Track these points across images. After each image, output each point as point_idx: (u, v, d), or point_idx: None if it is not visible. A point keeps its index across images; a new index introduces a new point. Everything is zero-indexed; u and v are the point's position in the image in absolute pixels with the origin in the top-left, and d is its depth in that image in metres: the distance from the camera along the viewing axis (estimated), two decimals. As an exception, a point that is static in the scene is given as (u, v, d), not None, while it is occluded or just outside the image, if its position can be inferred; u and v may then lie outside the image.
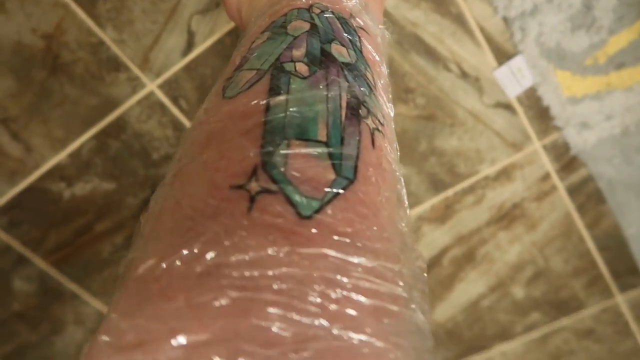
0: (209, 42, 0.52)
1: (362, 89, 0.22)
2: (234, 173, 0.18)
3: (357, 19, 0.26)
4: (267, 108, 0.20)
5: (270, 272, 0.16)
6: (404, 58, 0.52)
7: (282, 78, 0.21)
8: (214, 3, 0.50)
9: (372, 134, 0.21)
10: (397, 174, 0.22)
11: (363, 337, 0.15)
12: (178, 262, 0.16)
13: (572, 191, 0.60)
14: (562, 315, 0.66)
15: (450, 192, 0.60)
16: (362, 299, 0.16)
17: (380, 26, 0.28)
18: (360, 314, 0.16)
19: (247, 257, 0.16)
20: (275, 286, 0.15)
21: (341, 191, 0.18)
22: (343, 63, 0.22)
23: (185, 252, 0.16)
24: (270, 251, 0.16)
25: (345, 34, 0.24)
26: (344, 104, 0.21)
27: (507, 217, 0.62)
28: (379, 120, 0.22)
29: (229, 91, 0.22)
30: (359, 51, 0.24)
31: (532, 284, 0.65)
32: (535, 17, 0.49)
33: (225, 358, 0.14)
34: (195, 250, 0.16)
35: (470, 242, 0.64)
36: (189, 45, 0.52)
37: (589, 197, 0.60)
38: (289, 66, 0.22)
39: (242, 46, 0.25)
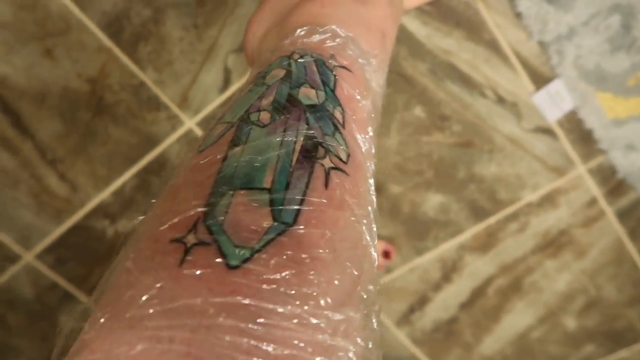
0: (244, 79, 0.53)
1: (324, 129, 0.22)
2: (176, 226, 0.19)
3: (339, 57, 0.26)
4: (224, 159, 0.20)
5: (183, 322, 0.16)
6: (438, 86, 0.52)
7: (244, 129, 0.22)
8: (249, 41, 0.51)
9: (327, 174, 0.21)
10: (360, 211, 0.21)
11: None
12: (105, 317, 0.17)
13: (622, 216, 0.57)
14: (619, 347, 0.62)
15: (492, 220, 0.59)
16: (273, 348, 0.16)
17: (372, 54, 0.29)
18: None
19: (167, 308, 0.16)
20: (186, 335, 0.16)
21: (278, 237, 0.18)
22: (308, 105, 0.23)
23: (115, 306, 0.17)
24: (187, 302, 0.16)
25: (320, 75, 0.25)
26: (297, 148, 0.21)
27: (553, 244, 0.59)
28: (340, 159, 0.22)
29: (202, 145, 0.23)
30: (331, 90, 0.24)
31: (585, 314, 0.61)
32: (572, 40, 0.48)
33: None
34: (124, 303, 0.17)
35: (516, 272, 0.61)
36: (226, 83, 0.53)
37: (640, 221, 0.57)
38: (253, 116, 0.22)
39: (231, 99, 0.26)
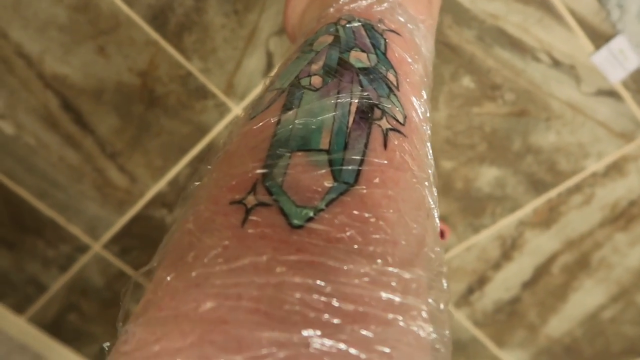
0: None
1: (378, 91, 0.22)
2: (234, 188, 0.19)
3: (387, 21, 0.26)
4: (278, 124, 0.21)
5: (250, 280, 0.16)
6: (486, 53, 0.49)
7: (296, 93, 0.22)
8: (289, 22, 0.51)
9: (386, 135, 0.20)
10: (421, 173, 0.21)
11: (341, 346, 0.15)
12: (171, 276, 0.17)
13: (702, 182, 0.52)
14: None
15: (553, 193, 0.55)
16: (344, 305, 0.16)
17: (420, 24, 0.28)
18: (340, 321, 0.15)
19: (232, 267, 0.16)
20: (254, 293, 0.16)
21: (340, 196, 0.18)
22: (360, 68, 0.23)
23: (180, 266, 0.17)
24: (253, 260, 0.16)
25: (369, 39, 0.24)
26: (353, 109, 0.21)
27: (623, 216, 0.55)
28: (397, 121, 0.21)
29: (252, 112, 0.23)
30: (382, 54, 0.24)
31: (662, 291, 0.57)
32: (634, -9, 0.44)
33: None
34: (188, 263, 0.17)
35: (583, 247, 0.58)
36: (269, 66, 0.54)
37: None
38: (304, 81, 0.22)
39: (278, 68, 0.26)
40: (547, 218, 0.57)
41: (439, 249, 0.20)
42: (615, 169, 0.53)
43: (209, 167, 0.22)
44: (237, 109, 0.57)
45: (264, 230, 0.17)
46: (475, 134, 0.54)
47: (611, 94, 0.49)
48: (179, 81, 0.56)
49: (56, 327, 0.77)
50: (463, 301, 0.63)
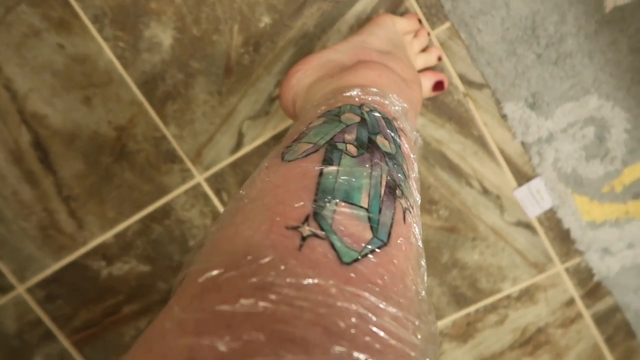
0: (255, 144, 0.59)
1: (399, 175, 0.27)
2: (290, 216, 0.22)
3: (399, 121, 0.32)
4: (321, 173, 0.24)
5: (314, 297, 0.19)
6: (429, 171, 0.57)
7: (335, 153, 0.26)
8: (264, 111, 0.57)
9: (404, 212, 0.25)
10: (421, 250, 0.26)
11: None
12: (237, 276, 0.20)
13: (599, 321, 0.58)
14: None
15: (472, 309, 0.60)
16: (387, 337, 0.19)
17: (414, 132, 0.34)
18: (384, 350, 0.18)
19: (293, 282, 0.19)
20: (315, 308, 0.18)
21: (377, 250, 0.22)
22: (385, 152, 0.27)
23: (244, 269, 0.20)
24: (317, 280, 0.19)
25: (389, 131, 0.30)
26: (384, 182, 0.25)
27: (531, 342, 0.60)
28: (409, 203, 0.26)
29: (287, 156, 0.27)
30: (398, 146, 0.29)
31: (561, 422, 0.60)
32: (552, 144, 0.54)
33: (265, 356, 0.16)
34: (253, 269, 0.20)
35: (493, 367, 0.61)
36: (238, 145, 0.59)
37: (617, 329, 0.58)
38: (341, 145, 0.26)
39: (299, 124, 0.31)
40: (464, 332, 0.61)
41: (432, 311, 0.24)
42: (527, 295, 0.59)
43: (249, 191, 0.26)
44: (199, 177, 0.60)
45: (319, 258, 0.20)
46: (410, 241, 0.59)
47: (528, 226, 0.57)
48: (152, 142, 0.60)
49: (-52, 370, 0.71)
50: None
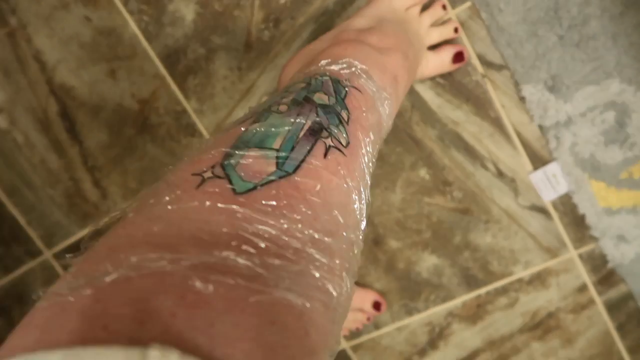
0: (273, 120, 0.60)
1: (330, 120, 0.28)
2: (198, 165, 0.24)
3: (352, 80, 0.33)
4: (245, 131, 0.26)
5: (192, 217, 0.21)
6: (444, 152, 0.57)
7: (265, 114, 0.28)
8: (283, 88, 0.58)
9: (327, 149, 0.26)
10: (353, 183, 0.27)
11: (248, 263, 0.20)
12: (137, 212, 0.22)
13: (611, 308, 0.58)
14: None
15: (482, 291, 0.60)
16: (256, 240, 0.21)
17: (382, 92, 0.34)
18: (255, 252, 0.20)
19: (176, 207, 0.22)
20: (194, 225, 0.20)
21: (278, 179, 0.23)
22: (320, 104, 0.29)
23: (140, 208, 0.23)
24: (196, 205, 0.22)
25: (334, 89, 0.31)
26: (306, 127, 0.26)
27: (541, 326, 0.60)
28: (340, 143, 0.27)
29: (228, 126, 0.29)
30: (342, 99, 0.31)
31: (567, 406, 0.60)
32: (570, 128, 0.53)
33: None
34: (147, 206, 0.22)
35: (502, 349, 0.62)
36: (256, 121, 0.60)
37: (629, 317, 0.58)
38: (274, 107, 0.28)
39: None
40: (474, 314, 0.61)
41: (358, 240, 0.25)
42: (539, 279, 0.59)
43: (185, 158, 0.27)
44: (218, 152, 0.62)
45: (210, 191, 0.22)
46: (423, 221, 0.60)
47: (542, 211, 0.56)
48: (173, 115, 0.62)
49: (-21, 327, 0.75)
50: (385, 380, 0.65)
